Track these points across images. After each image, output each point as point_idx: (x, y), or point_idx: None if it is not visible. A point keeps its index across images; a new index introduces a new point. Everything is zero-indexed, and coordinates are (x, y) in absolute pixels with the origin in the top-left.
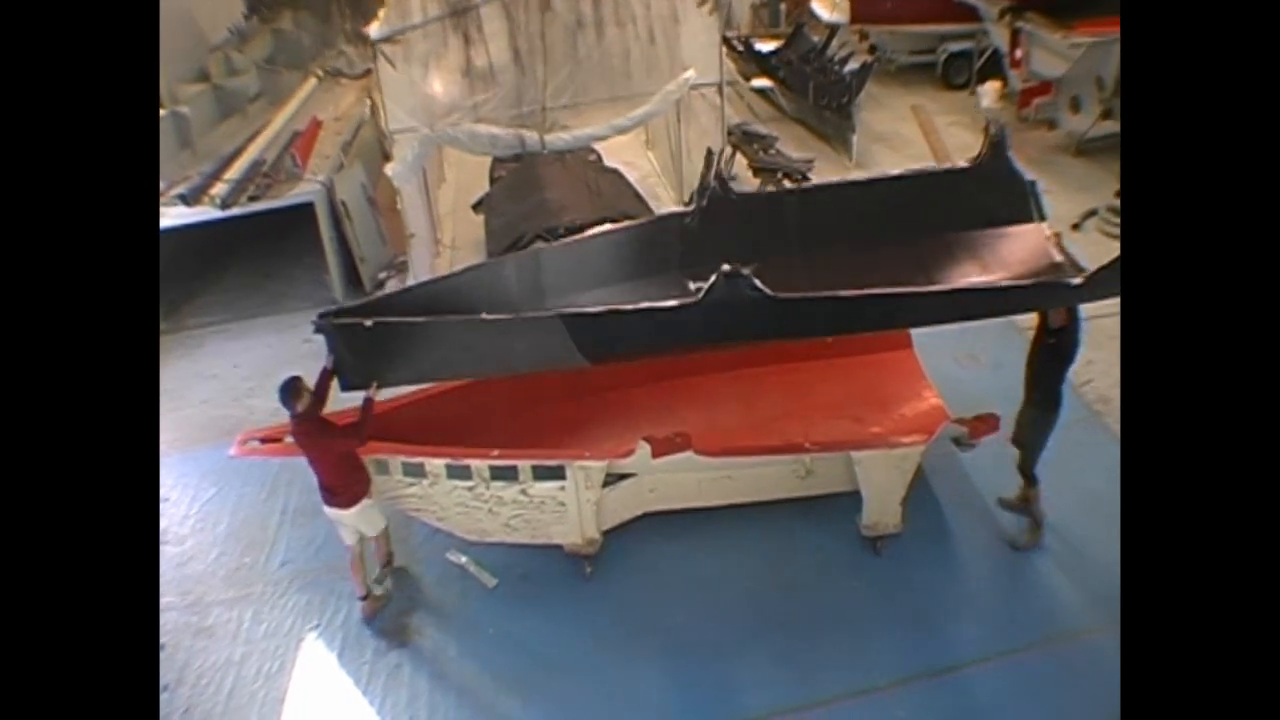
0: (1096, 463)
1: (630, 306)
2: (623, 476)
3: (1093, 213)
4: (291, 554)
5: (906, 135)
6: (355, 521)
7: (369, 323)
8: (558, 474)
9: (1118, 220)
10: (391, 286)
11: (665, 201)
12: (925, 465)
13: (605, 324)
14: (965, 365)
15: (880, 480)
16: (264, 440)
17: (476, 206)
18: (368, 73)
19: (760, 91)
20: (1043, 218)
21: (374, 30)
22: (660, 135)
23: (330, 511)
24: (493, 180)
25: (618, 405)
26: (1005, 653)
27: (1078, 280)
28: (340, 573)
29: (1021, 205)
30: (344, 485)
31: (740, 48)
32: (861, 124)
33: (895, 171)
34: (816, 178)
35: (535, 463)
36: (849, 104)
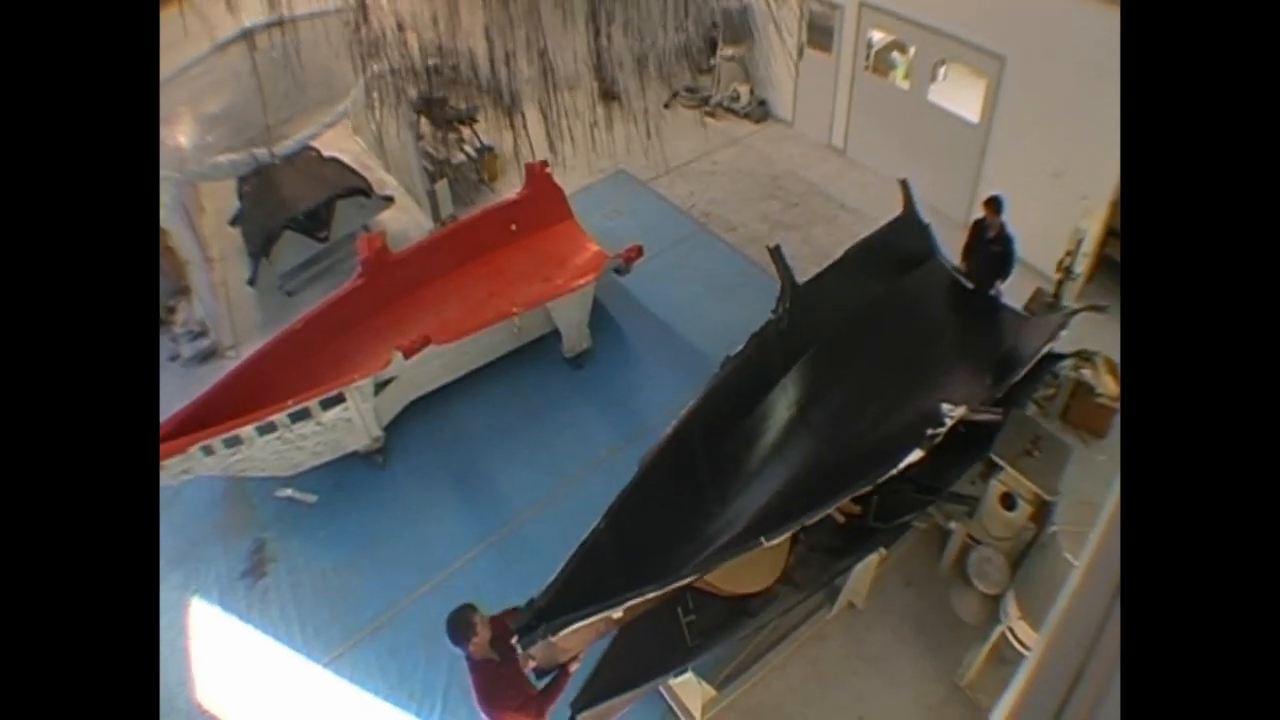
0: (710, 255)
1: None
2: (387, 382)
3: (675, 94)
4: (162, 542)
5: None
6: None
7: (616, 613)
8: (339, 400)
9: (693, 99)
10: (181, 310)
11: (375, 169)
12: (598, 294)
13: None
14: (612, 218)
15: (570, 315)
16: None
17: (234, 222)
18: None
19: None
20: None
21: None
22: (361, 121)
23: None
24: (241, 196)
25: (368, 332)
26: (680, 405)
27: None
28: (202, 543)
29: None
30: None
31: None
32: None
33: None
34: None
35: (321, 398)
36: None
